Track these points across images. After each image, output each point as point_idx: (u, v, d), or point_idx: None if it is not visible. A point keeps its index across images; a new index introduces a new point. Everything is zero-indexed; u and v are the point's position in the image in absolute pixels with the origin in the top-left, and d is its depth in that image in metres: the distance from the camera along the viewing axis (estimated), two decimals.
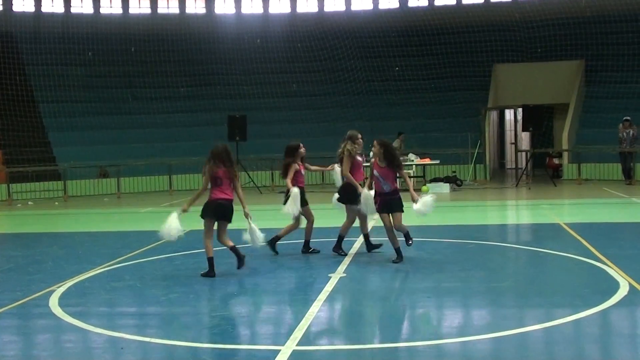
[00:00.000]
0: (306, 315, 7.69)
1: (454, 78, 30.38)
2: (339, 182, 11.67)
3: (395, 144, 25.20)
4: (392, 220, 10.59)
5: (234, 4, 33.03)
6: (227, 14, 33.07)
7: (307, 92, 30.72)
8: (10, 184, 24.03)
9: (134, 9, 32.20)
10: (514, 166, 31.13)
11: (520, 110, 26.64)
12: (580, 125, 27.59)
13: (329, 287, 9.04)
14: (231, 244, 10.03)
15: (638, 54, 28.48)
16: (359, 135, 11.55)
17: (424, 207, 10.74)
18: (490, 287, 9.12)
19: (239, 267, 10.01)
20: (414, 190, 11.34)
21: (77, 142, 27.21)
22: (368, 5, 32.86)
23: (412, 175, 24.69)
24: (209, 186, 10.22)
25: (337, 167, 11.77)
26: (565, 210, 18.59)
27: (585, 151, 25.60)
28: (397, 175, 10.96)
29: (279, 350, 6.50)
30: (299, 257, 11.43)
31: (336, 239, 11.35)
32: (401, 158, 12.49)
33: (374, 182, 10.75)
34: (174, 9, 32.65)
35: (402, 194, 10.86)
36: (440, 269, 10.17)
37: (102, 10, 31.80)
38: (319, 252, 11.57)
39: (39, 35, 30.04)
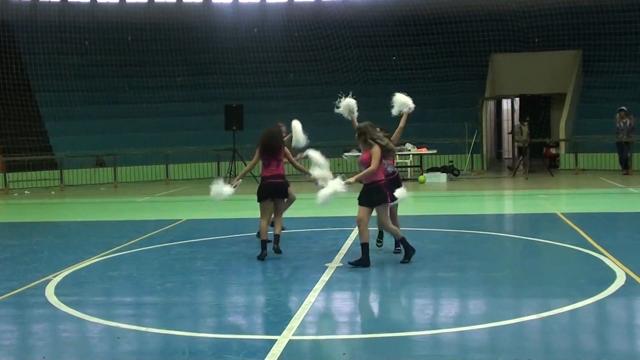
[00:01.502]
0: (303, 305, 7.69)
1: (451, 68, 30.36)
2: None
3: (524, 129, 24.81)
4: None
5: None
6: (224, 3, 32.95)
7: (304, 82, 30.68)
8: (6, 173, 24.02)
9: None
10: (511, 156, 31.13)
11: (517, 100, 26.62)
12: (578, 115, 27.59)
13: (325, 277, 9.04)
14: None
15: (635, 44, 28.45)
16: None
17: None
18: (487, 276, 9.12)
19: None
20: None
21: (74, 131, 27.17)
22: None
23: (409, 164, 24.73)
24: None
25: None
26: (562, 200, 18.62)
27: (582, 141, 25.60)
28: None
29: (275, 340, 6.50)
30: (295, 246, 11.43)
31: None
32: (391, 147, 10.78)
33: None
34: None
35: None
36: (437, 258, 10.17)
37: None
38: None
39: (35, 24, 29.90)
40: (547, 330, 6.76)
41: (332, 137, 25.66)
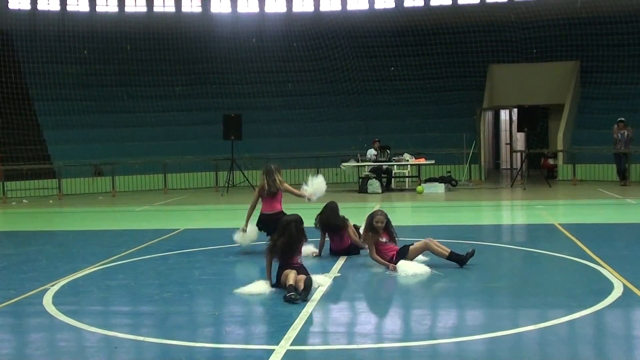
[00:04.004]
0: (300, 315, 7.68)
1: (449, 78, 30.45)
2: None
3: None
4: None
5: (229, 3, 33.04)
6: (223, 12, 33.07)
7: (302, 92, 30.75)
8: (5, 182, 24.03)
9: (129, 8, 32.18)
10: (509, 166, 31.17)
11: (515, 110, 26.70)
12: (575, 126, 27.65)
13: (323, 287, 9.03)
14: None
15: (633, 55, 28.56)
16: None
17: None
18: (485, 287, 9.11)
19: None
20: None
21: (72, 140, 27.21)
22: (364, 5, 32.92)
23: (407, 175, 24.81)
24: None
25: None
26: (559, 210, 18.62)
27: (580, 152, 25.65)
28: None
29: (273, 350, 6.49)
30: None
31: None
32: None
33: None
34: (170, 8, 32.64)
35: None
36: (434, 268, 10.15)
37: (98, 9, 31.78)
38: None
39: (34, 33, 30.00)
40: (545, 341, 6.76)
41: (330, 147, 25.72)
